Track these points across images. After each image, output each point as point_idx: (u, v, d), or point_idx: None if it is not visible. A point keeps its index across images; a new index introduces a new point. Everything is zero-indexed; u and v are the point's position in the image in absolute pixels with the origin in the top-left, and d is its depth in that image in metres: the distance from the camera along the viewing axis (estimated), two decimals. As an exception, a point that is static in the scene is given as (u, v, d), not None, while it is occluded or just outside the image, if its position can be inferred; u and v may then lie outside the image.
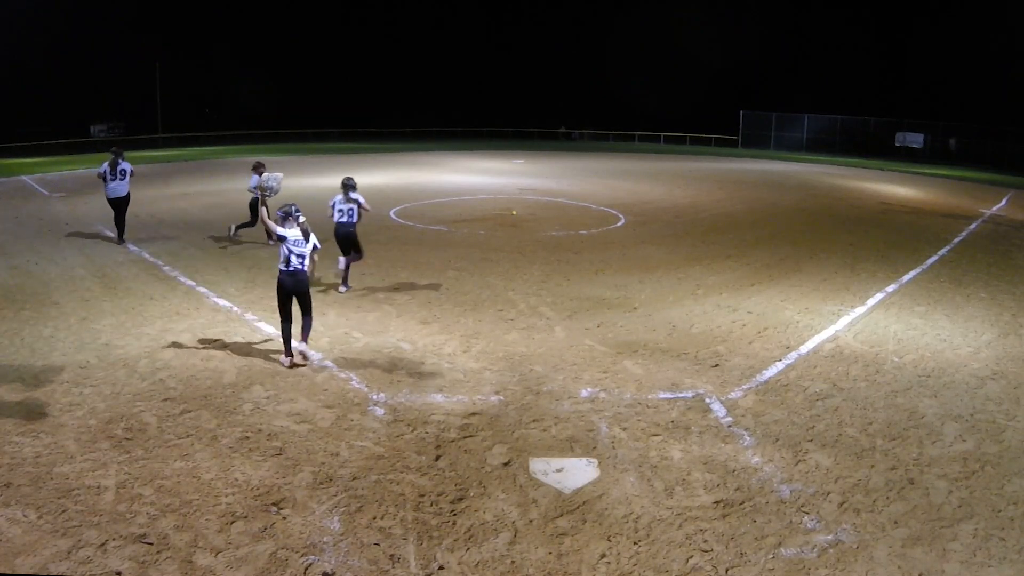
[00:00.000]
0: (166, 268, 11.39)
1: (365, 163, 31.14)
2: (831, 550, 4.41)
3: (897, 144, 44.92)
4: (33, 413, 5.99)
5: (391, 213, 17.54)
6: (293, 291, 7.21)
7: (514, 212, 17.29)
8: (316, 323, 8.64)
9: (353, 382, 6.87)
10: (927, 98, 45.53)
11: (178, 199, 19.46)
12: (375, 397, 6.53)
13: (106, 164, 13.14)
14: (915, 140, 44.62)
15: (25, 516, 4.51)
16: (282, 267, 7.18)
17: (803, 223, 17.93)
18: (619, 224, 16.80)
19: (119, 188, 13.13)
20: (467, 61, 59.57)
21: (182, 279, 10.71)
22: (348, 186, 9.94)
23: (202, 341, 7.92)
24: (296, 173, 27.48)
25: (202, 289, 10.16)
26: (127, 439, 5.59)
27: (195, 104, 50.51)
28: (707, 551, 4.38)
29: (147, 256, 12.23)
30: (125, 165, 13.23)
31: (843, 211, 20.41)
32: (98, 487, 4.89)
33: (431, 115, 52.96)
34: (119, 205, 13.23)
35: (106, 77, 45.85)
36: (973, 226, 18.12)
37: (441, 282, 10.83)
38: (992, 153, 40.11)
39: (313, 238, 7.38)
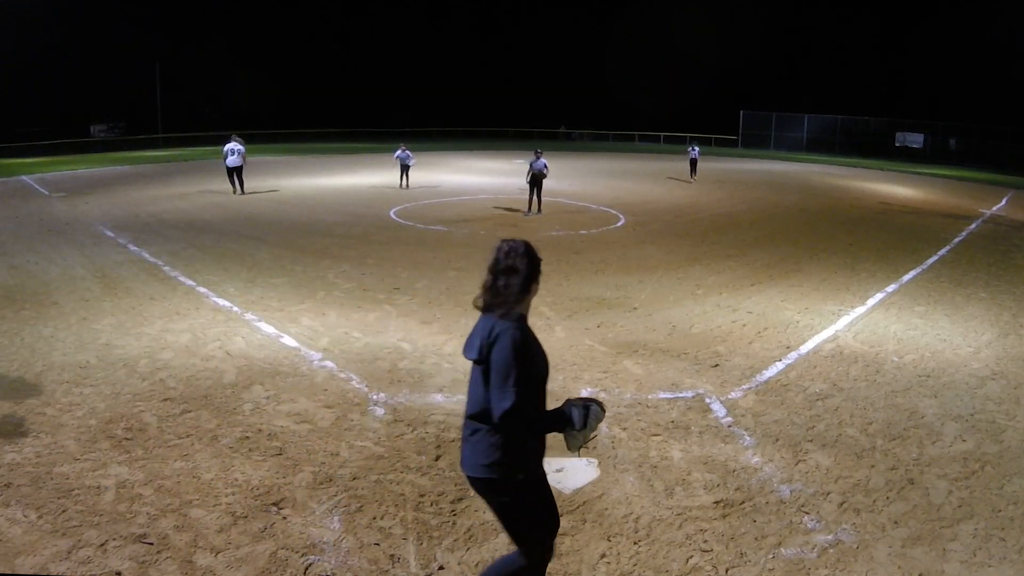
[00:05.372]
0: (166, 268, 11.39)
1: (365, 163, 31.14)
2: (831, 550, 4.41)
3: (897, 144, 44.95)
4: (33, 413, 5.98)
5: (391, 213, 17.55)
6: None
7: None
8: (316, 323, 8.68)
9: (353, 382, 6.86)
10: (927, 98, 45.58)
11: (178, 199, 19.47)
12: (375, 397, 6.53)
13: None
14: (915, 140, 44.67)
15: (25, 516, 4.51)
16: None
17: (803, 223, 17.93)
18: (619, 224, 16.81)
19: (228, 161, 20.09)
20: (467, 61, 59.55)
21: (182, 279, 10.71)
22: (538, 153, 17.89)
23: (202, 341, 7.91)
24: (296, 173, 27.47)
25: (202, 289, 10.16)
26: (127, 439, 5.59)
27: (195, 104, 50.50)
28: (707, 551, 4.38)
29: (147, 256, 12.23)
30: (232, 146, 19.85)
31: (843, 211, 20.42)
32: (98, 487, 4.88)
33: (431, 115, 52.98)
34: (229, 172, 20.37)
35: (106, 77, 45.86)
36: (973, 226, 18.13)
37: (441, 282, 10.83)
38: (992, 153, 40.14)
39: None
